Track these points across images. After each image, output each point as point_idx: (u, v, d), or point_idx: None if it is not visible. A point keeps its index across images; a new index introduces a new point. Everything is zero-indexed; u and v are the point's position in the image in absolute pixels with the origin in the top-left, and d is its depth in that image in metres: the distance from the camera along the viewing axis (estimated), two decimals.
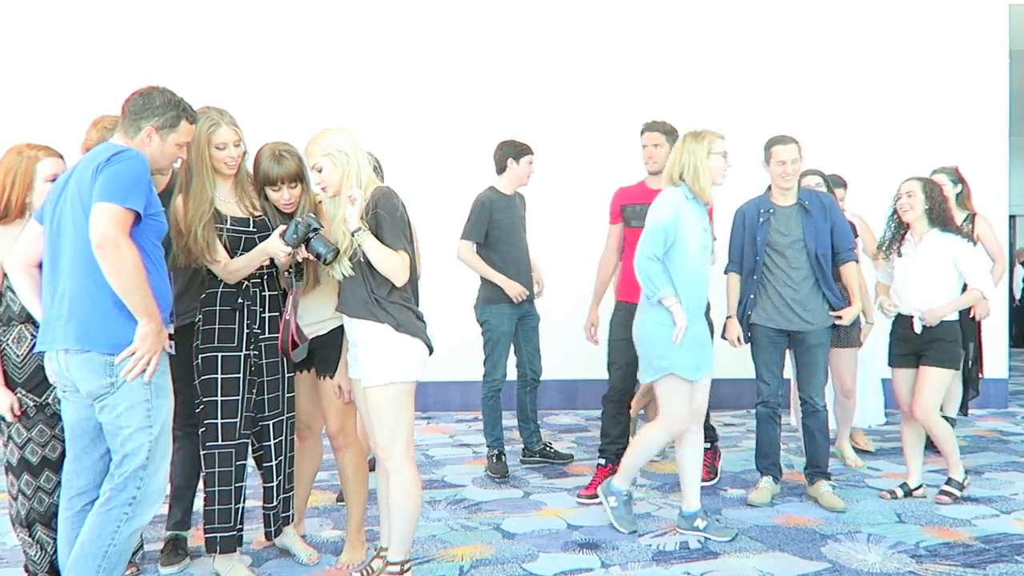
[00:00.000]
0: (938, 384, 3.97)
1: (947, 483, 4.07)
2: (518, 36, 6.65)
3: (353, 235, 2.76)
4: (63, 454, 2.71)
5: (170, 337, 2.62)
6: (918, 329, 3.97)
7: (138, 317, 2.44)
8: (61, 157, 2.94)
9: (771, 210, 4.02)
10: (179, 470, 3.25)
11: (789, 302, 3.96)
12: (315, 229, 2.85)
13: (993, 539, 3.54)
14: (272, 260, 3.03)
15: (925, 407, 3.96)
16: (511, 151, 4.69)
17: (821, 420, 4.05)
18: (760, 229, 4.02)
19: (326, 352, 3.15)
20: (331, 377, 3.15)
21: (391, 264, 2.77)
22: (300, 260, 2.99)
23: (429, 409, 6.51)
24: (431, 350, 2.89)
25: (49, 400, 2.82)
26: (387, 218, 2.78)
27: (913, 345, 4.01)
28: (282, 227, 2.92)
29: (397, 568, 2.90)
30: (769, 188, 4.09)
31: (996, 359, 6.69)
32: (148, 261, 2.49)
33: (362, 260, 2.80)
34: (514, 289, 4.56)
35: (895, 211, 4.09)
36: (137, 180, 2.43)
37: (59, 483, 2.73)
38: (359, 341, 2.85)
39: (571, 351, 6.03)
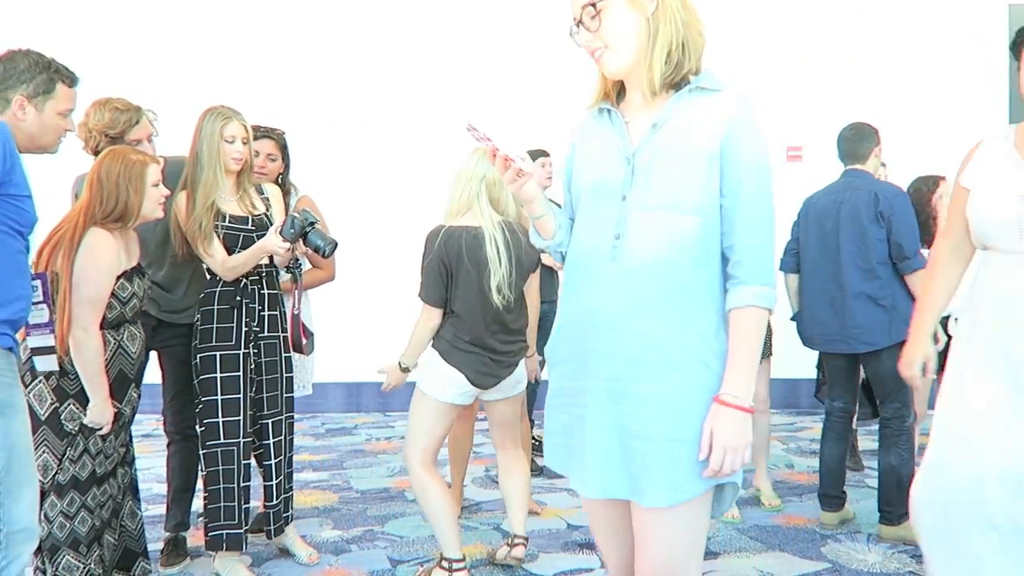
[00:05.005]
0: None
1: None
2: (526, 37, 6.66)
3: None
4: (92, 473, 2.66)
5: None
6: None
7: None
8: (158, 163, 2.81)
9: None
10: (177, 473, 3.27)
11: None
12: (311, 223, 2.87)
13: None
14: (271, 258, 3.04)
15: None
16: None
17: None
18: None
19: None
20: None
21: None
22: (299, 256, 3.01)
23: None
24: (473, 383, 2.96)
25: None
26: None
27: None
28: (279, 223, 2.94)
29: (447, 564, 3.00)
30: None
31: None
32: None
33: None
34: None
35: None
36: None
37: (83, 505, 2.64)
38: None
39: None
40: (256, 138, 3.38)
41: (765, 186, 1.65)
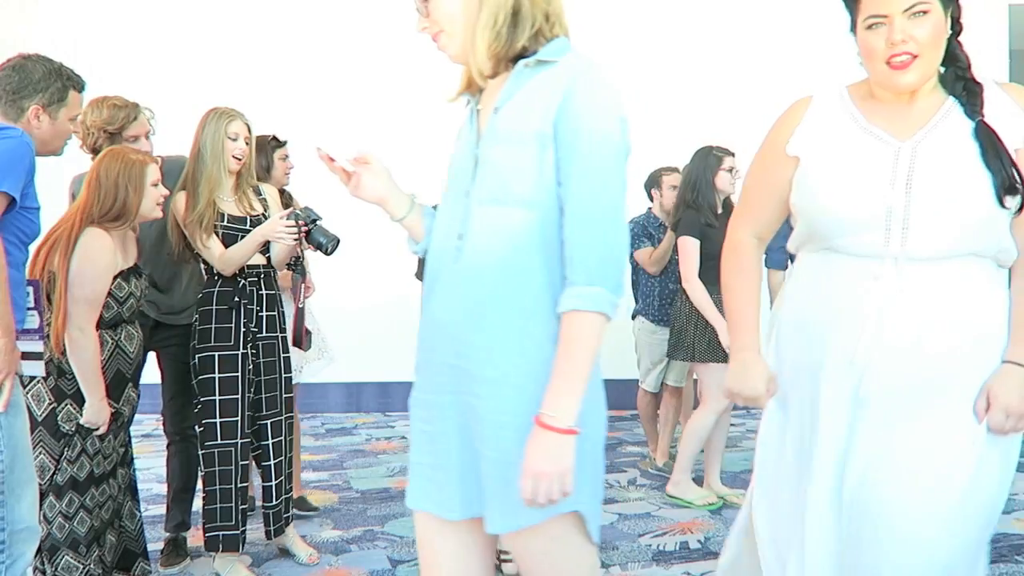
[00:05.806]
0: None
1: None
2: None
3: None
4: (91, 473, 2.65)
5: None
6: None
7: None
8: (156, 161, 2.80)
9: None
10: (176, 473, 3.27)
11: None
12: (313, 220, 2.87)
13: (993, 539, 3.50)
14: (269, 259, 3.05)
15: None
16: None
17: None
18: None
19: None
20: None
21: None
22: (300, 253, 3.01)
23: None
24: None
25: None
26: None
27: None
28: (280, 215, 2.96)
29: None
30: None
31: None
32: (8, 266, 2.01)
33: None
34: None
35: None
36: (17, 161, 2.00)
37: (81, 506, 2.62)
38: None
39: None
40: (281, 144, 3.62)
41: (603, 169, 1.38)
